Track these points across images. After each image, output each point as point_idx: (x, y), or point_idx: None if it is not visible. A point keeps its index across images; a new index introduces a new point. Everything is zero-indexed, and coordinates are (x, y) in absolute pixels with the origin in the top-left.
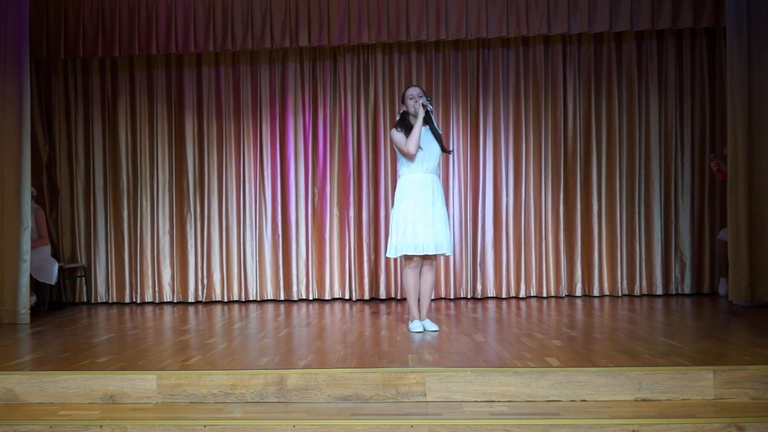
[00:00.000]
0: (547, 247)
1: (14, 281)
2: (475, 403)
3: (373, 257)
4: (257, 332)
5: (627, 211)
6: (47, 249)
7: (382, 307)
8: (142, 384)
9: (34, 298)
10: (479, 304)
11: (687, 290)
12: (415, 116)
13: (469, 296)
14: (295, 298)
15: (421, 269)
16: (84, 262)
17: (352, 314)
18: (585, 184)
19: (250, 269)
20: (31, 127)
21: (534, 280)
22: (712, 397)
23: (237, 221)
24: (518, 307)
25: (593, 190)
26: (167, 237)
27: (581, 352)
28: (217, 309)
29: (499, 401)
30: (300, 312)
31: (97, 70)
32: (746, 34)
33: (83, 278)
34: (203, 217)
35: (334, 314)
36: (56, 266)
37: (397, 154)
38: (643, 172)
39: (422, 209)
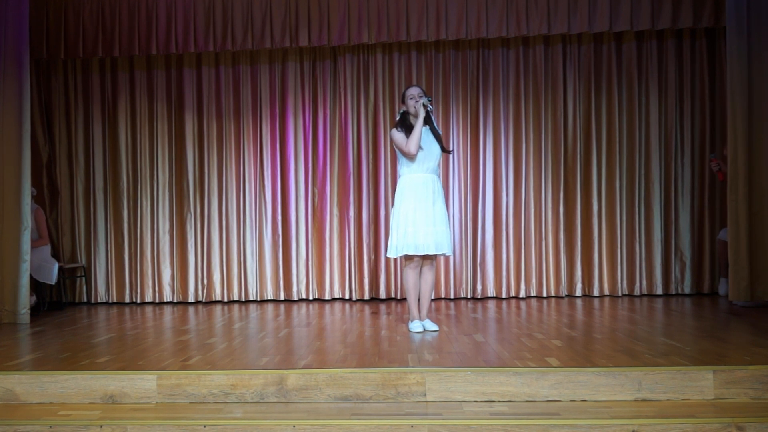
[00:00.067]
0: (547, 247)
1: (14, 281)
2: (475, 403)
3: (373, 257)
4: (257, 332)
5: (627, 211)
6: (47, 249)
7: (382, 307)
8: (142, 384)
9: (34, 298)
10: (479, 304)
11: (687, 290)
12: (416, 116)
13: (469, 296)
14: (295, 298)
15: (421, 269)
16: (84, 262)
17: (352, 314)
18: (585, 184)
19: (250, 269)
20: (31, 127)
21: (534, 280)
22: (712, 397)
23: (237, 221)
24: (518, 307)
25: (593, 190)
26: (167, 237)
27: (581, 352)
28: (217, 309)
29: (499, 401)
30: (300, 312)
31: (97, 70)
32: (746, 34)
33: (83, 278)
34: (203, 217)
35: (334, 314)
36: (56, 266)
37: (397, 154)
38: (643, 172)
39: (422, 209)
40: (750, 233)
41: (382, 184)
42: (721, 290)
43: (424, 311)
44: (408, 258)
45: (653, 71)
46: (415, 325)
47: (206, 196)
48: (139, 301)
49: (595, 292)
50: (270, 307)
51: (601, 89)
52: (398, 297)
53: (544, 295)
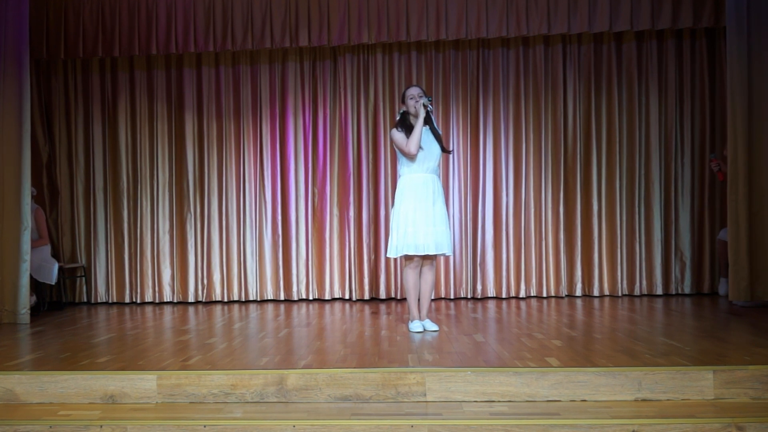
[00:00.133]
0: (547, 247)
1: (14, 281)
2: (475, 403)
3: (373, 257)
4: (257, 332)
5: (627, 211)
6: (47, 249)
7: (382, 307)
8: (142, 384)
9: (34, 298)
10: (479, 304)
11: (687, 290)
12: (416, 116)
13: (469, 296)
14: (295, 298)
15: (421, 269)
16: (84, 262)
17: (352, 314)
18: (585, 184)
19: (250, 269)
20: (31, 127)
21: (534, 280)
22: (712, 397)
23: (237, 221)
24: (518, 307)
25: (593, 190)
26: (167, 237)
27: (581, 352)
28: (217, 309)
29: (499, 401)
30: (300, 312)
31: (97, 70)
32: (746, 34)
33: (83, 278)
34: (203, 217)
35: (334, 314)
36: (56, 266)
37: (397, 154)
38: (643, 172)
39: (423, 209)
40: (750, 233)
41: (382, 184)
42: (721, 290)
43: (424, 311)
44: (408, 258)
45: (653, 71)
46: (415, 325)
47: (206, 196)
48: (139, 301)
49: (595, 292)
50: (270, 307)
51: (601, 89)
52: (398, 297)
53: (544, 295)
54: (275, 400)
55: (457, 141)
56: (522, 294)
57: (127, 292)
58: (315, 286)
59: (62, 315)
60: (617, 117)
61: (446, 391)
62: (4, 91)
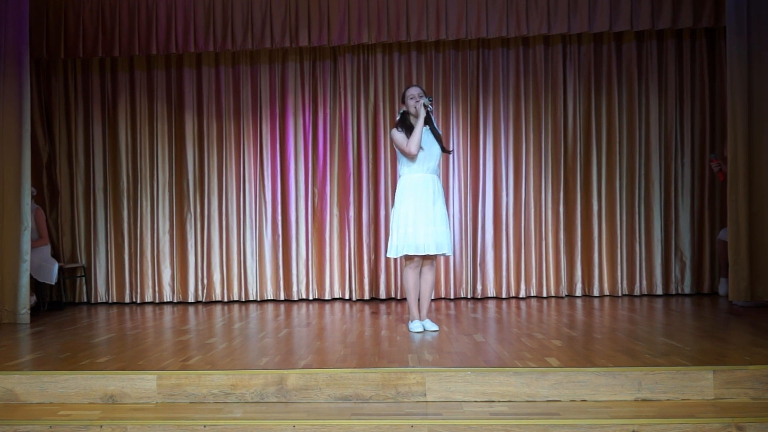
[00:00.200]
0: (547, 247)
1: (14, 281)
2: (475, 403)
3: (373, 257)
4: (257, 332)
5: (627, 211)
6: (47, 249)
7: (382, 307)
8: (142, 384)
9: (34, 298)
10: (479, 304)
11: (687, 290)
12: (416, 116)
13: (469, 296)
14: (295, 298)
15: (421, 269)
16: (84, 262)
17: (352, 314)
18: (585, 184)
19: (250, 269)
20: (31, 127)
21: (534, 280)
22: (712, 397)
23: (237, 221)
24: (518, 307)
25: (593, 190)
26: (167, 237)
27: (581, 352)
28: (217, 309)
29: (499, 401)
30: (300, 312)
31: (97, 70)
32: (746, 34)
33: (83, 278)
34: (203, 217)
35: (334, 314)
36: (56, 266)
37: (397, 154)
38: (643, 172)
39: (423, 209)
40: (750, 233)
41: (382, 184)
42: (721, 290)
43: (424, 311)
44: (408, 258)
45: (653, 71)
46: (415, 325)
47: (206, 196)
48: (139, 301)
49: (595, 292)
50: (270, 307)
51: (601, 89)
52: (398, 297)
53: (544, 295)
54: (275, 400)
55: (457, 141)
56: (522, 294)
57: (127, 292)
58: (315, 286)
59: (62, 315)
60: (617, 117)
61: (446, 391)
62: (4, 91)
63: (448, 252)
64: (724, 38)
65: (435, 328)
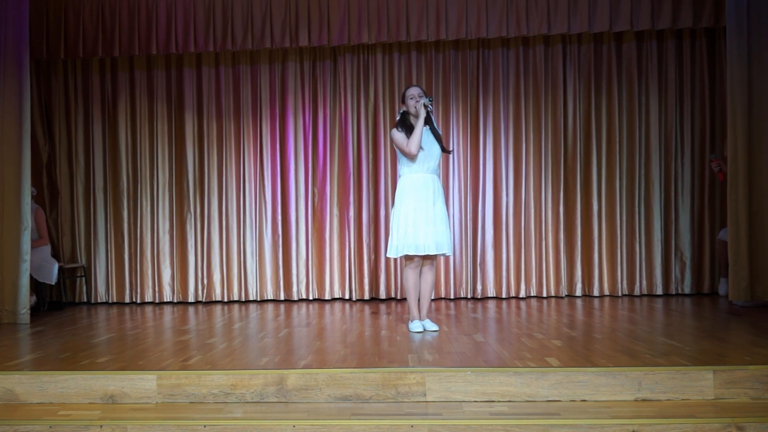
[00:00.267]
0: (547, 247)
1: (14, 281)
2: (475, 403)
3: (373, 257)
4: (257, 332)
5: (627, 211)
6: (47, 249)
7: (382, 307)
8: (142, 384)
9: (34, 298)
10: (479, 304)
11: (687, 290)
12: (416, 116)
13: (469, 296)
14: (295, 298)
15: (421, 269)
16: (84, 262)
17: (352, 314)
18: (585, 184)
19: (250, 269)
20: (31, 127)
21: (534, 280)
22: (712, 397)
23: (237, 221)
24: (518, 307)
25: (593, 190)
26: (167, 237)
27: (581, 352)
28: (217, 309)
29: (499, 401)
30: (300, 312)
31: (97, 70)
32: (746, 34)
33: (83, 278)
34: (203, 217)
35: (334, 314)
36: (56, 266)
37: (397, 154)
38: (643, 172)
39: (423, 209)
40: (750, 233)
41: (382, 184)
42: (721, 290)
43: (424, 311)
44: (408, 258)
45: (653, 71)
46: (415, 325)
47: (206, 196)
48: (139, 301)
49: (595, 292)
50: (270, 307)
51: (601, 89)
52: (398, 297)
53: (544, 295)
54: (275, 400)
55: (457, 141)
56: (522, 294)
57: (127, 292)
58: (315, 286)
59: (62, 315)
60: (617, 117)
61: (446, 391)
62: (4, 91)
63: (448, 252)
64: (724, 38)
65: (435, 328)
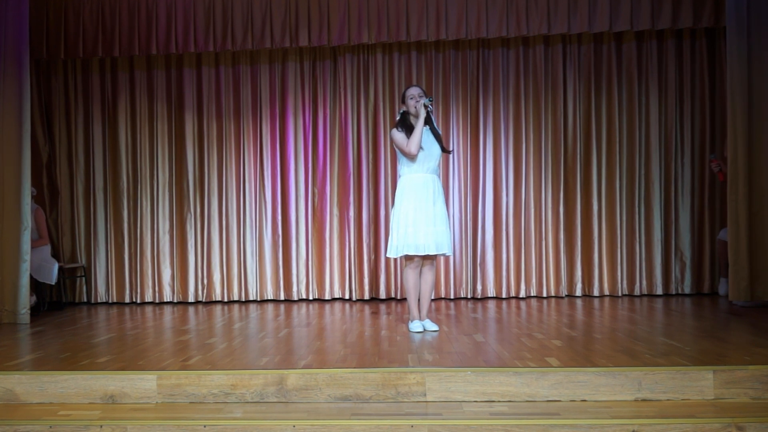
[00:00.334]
0: (547, 247)
1: (14, 281)
2: (475, 403)
3: (373, 257)
4: (257, 332)
5: (627, 211)
6: (47, 249)
7: (382, 307)
8: (142, 384)
9: (34, 298)
10: (479, 304)
11: (687, 290)
12: (416, 116)
13: (469, 296)
14: (295, 298)
15: (421, 269)
16: (84, 262)
17: (352, 314)
18: (585, 184)
19: (250, 269)
20: (31, 127)
21: (534, 280)
22: (712, 397)
23: (237, 221)
24: (518, 307)
25: (593, 190)
26: (167, 237)
27: (581, 352)
28: (217, 309)
29: (499, 401)
30: (300, 312)
31: (97, 70)
32: (746, 34)
33: (83, 278)
34: (203, 217)
35: (334, 314)
36: (56, 266)
37: (397, 154)
38: (643, 172)
39: (423, 209)
40: (750, 233)
41: (382, 184)
42: (721, 290)
43: (424, 311)
44: (408, 258)
45: (653, 71)
46: (415, 325)
47: (206, 196)
48: (139, 301)
49: (595, 292)
50: (270, 307)
51: (601, 89)
52: (398, 297)
53: (544, 295)
54: (275, 400)
55: (457, 141)
56: (522, 294)
57: (127, 292)
58: (315, 286)
59: (62, 315)
60: (617, 117)
61: (446, 391)
62: (4, 91)
63: (448, 252)
64: (724, 38)
65: (435, 328)
